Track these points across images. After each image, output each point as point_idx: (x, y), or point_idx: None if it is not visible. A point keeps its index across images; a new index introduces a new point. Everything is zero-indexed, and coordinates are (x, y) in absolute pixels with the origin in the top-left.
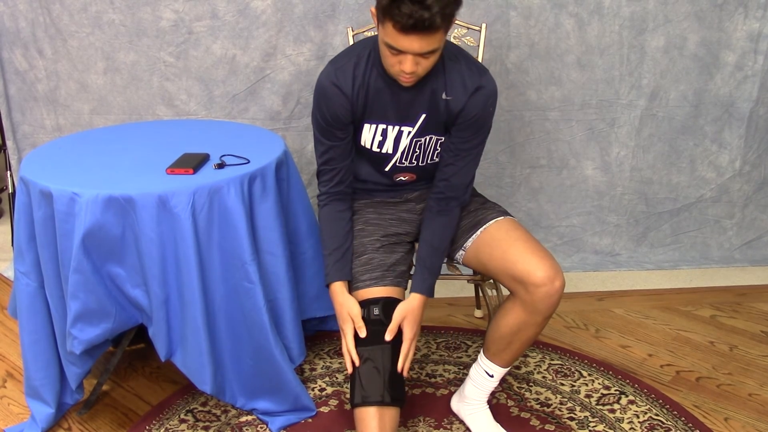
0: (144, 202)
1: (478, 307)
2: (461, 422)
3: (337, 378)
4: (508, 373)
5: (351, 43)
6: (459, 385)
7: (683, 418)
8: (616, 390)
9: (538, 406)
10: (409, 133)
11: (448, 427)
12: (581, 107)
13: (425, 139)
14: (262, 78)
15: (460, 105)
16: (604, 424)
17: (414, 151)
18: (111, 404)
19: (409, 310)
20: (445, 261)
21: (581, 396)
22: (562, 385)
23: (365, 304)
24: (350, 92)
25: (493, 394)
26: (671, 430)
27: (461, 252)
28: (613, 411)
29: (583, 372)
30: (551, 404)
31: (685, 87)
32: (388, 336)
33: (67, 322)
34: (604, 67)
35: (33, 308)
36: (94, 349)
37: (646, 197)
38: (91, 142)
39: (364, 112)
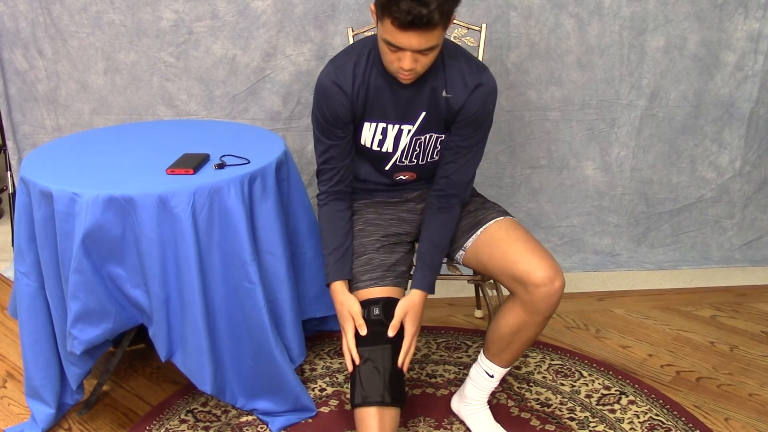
0: (144, 202)
1: (479, 308)
2: (461, 422)
3: (337, 378)
4: (509, 374)
5: (351, 43)
6: (459, 386)
7: (683, 419)
8: (616, 390)
9: (538, 407)
10: (410, 131)
11: (449, 427)
12: (581, 107)
13: (425, 138)
14: (263, 78)
15: (460, 102)
16: (605, 425)
17: (414, 150)
18: (111, 404)
19: (410, 306)
20: (445, 261)
21: (581, 396)
22: (563, 385)
23: (365, 305)
24: (350, 91)
25: (493, 394)
26: (671, 430)
27: (461, 252)
28: (613, 411)
29: (583, 372)
30: (551, 404)
31: (685, 87)
32: (391, 332)
33: (67, 323)
34: (605, 67)
35: (33, 308)
36: (94, 349)
37: (646, 197)
38: (91, 143)
39: (364, 111)
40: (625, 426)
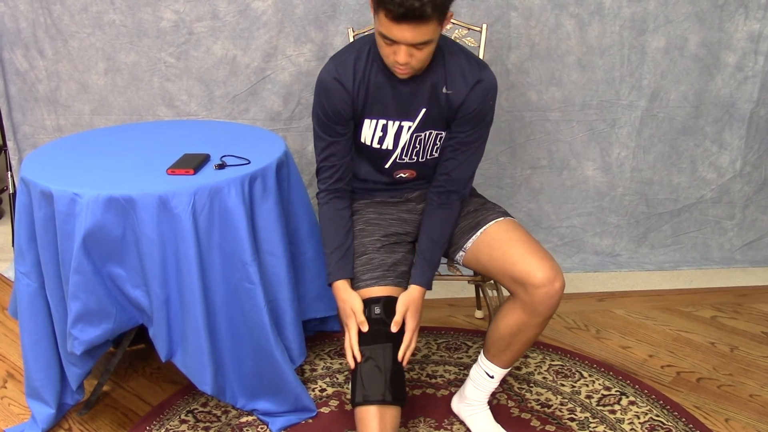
0: (144, 202)
1: (479, 308)
2: (462, 423)
3: (337, 378)
4: (509, 374)
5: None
6: (459, 386)
7: (684, 419)
8: (616, 391)
9: (538, 407)
10: (410, 128)
11: (449, 427)
12: (582, 108)
13: (425, 134)
14: (263, 78)
15: (460, 98)
16: (605, 425)
17: (414, 147)
18: (111, 405)
19: (410, 301)
20: (445, 262)
21: (582, 397)
22: (563, 385)
23: (366, 303)
24: (351, 87)
25: (493, 394)
26: (672, 430)
27: (461, 253)
28: (613, 412)
29: (583, 373)
30: (552, 405)
31: (685, 88)
32: (394, 328)
33: (67, 323)
34: (605, 67)
35: (33, 309)
36: (94, 349)
37: (646, 198)
38: (91, 143)
39: (365, 107)
40: (626, 427)
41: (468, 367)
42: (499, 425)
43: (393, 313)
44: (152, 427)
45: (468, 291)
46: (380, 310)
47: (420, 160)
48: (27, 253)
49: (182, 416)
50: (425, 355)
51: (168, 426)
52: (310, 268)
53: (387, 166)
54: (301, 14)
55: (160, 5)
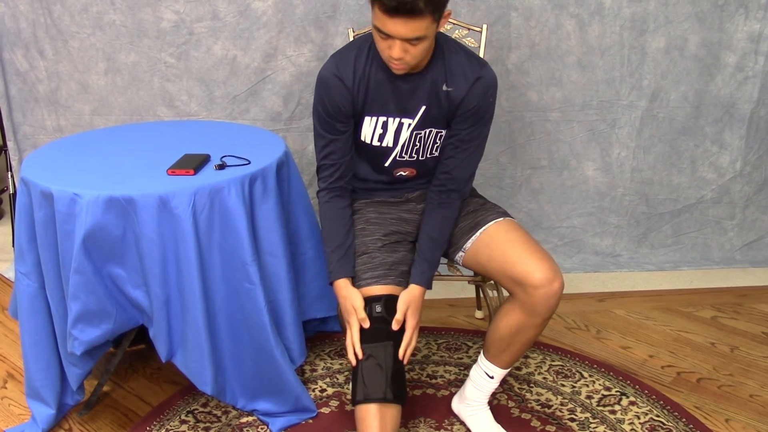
0: (145, 202)
1: (479, 308)
2: (462, 423)
3: (337, 379)
4: (509, 374)
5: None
6: (460, 386)
7: (684, 420)
8: (617, 391)
9: (538, 407)
10: (410, 125)
11: (449, 428)
12: (582, 108)
13: (425, 132)
14: (263, 79)
15: (461, 95)
16: (605, 426)
17: (414, 145)
18: (112, 405)
19: (411, 299)
20: (445, 262)
21: (582, 397)
22: (563, 386)
23: (367, 302)
24: (351, 84)
25: (493, 395)
26: (672, 431)
27: (461, 253)
28: (614, 412)
29: (583, 373)
30: (552, 405)
31: (685, 88)
32: (395, 325)
33: (67, 323)
34: (605, 68)
35: (33, 309)
36: (94, 349)
37: (646, 198)
38: (91, 143)
39: (365, 104)
40: (626, 427)
41: (468, 367)
42: (499, 425)
43: (394, 311)
44: (152, 427)
45: (468, 291)
46: (381, 309)
47: (420, 158)
48: (27, 253)
49: (182, 416)
50: (425, 355)
51: (168, 426)
52: (310, 268)
53: (387, 164)
54: (302, 14)
55: (160, 5)
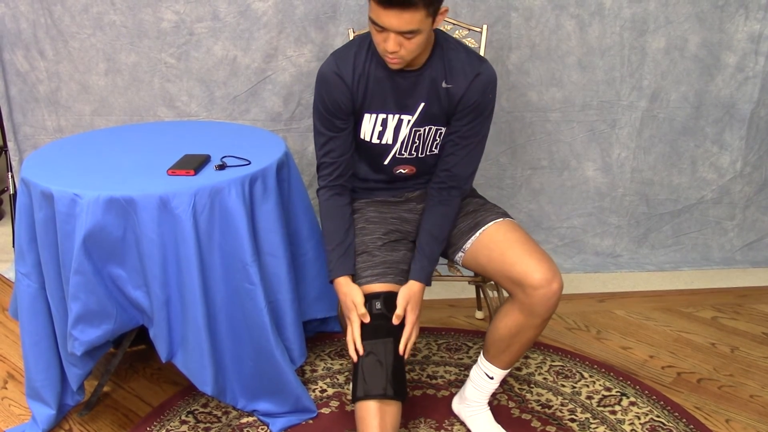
0: (145, 203)
1: (479, 309)
2: (462, 424)
3: (337, 379)
4: (509, 375)
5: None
6: (460, 387)
7: (684, 420)
8: (617, 391)
9: (539, 408)
10: (409, 122)
11: (449, 428)
12: (582, 108)
13: (425, 130)
14: (263, 79)
15: (460, 92)
16: (606, 426)
17: (414, 142)
18: (112, 405)
19: (410, 295)
20: (445, 262)
21: (582, 397)
22: (563, 386)
23: (367, 299)
24: (351, 81)
25: (494, 395)
26: (672, 431)
27: (460, 254)
28: (614, 412)
29: (584, 373)
30: (552, 406)
31: (686, 88)
32: (396, 321)
33: (68, 324)
34: (605, 68)
35: (34, 309)
36: (95, 350)
37: (647, 198)
38: (92, 144)
39: (364, 102)
40: (626, 427)
41: (468, 367)
42: (499, 426)
43: (394, 308)
44: (153, 427)
45: (468, 292)
46: (381, 305)
47: (419, 155)
48: (27, 253)
49: (183, 417)
50: (426, 355)
51: (168, 427)
52: (311, 268)
53: (386, 162)
54: (302, 15)
55: (160, 6)
